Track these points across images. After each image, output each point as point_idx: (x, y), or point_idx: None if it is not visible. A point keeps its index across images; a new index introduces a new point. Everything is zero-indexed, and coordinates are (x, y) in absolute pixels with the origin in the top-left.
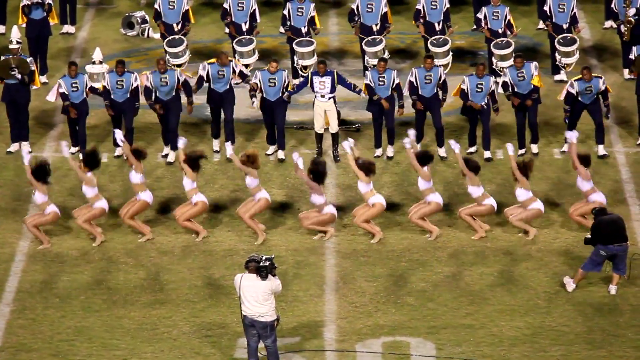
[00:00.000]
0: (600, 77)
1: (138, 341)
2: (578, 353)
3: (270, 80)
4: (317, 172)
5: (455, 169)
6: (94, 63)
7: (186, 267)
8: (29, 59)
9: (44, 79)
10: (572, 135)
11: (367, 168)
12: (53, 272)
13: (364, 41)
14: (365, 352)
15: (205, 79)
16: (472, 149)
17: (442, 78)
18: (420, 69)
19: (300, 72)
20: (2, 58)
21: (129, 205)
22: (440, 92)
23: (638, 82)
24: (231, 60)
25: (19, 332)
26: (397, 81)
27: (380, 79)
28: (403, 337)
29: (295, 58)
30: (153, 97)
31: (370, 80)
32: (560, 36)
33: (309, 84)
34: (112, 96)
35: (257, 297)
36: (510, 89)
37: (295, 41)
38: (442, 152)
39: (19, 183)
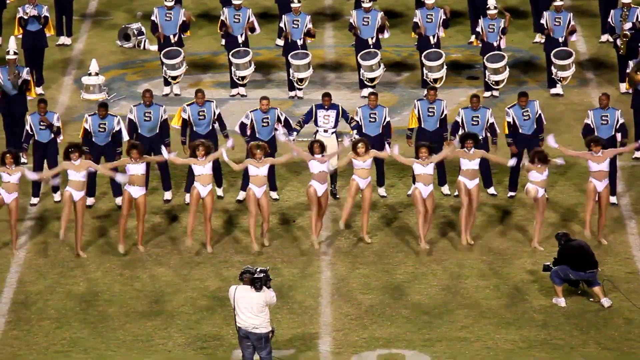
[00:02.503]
0: (618, 110)
1: (134, 353)
2: None
3: (264, 120)
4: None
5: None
6: (90, 74)
7: (182, 278)
8: (25, 70)
9: (39, 90)
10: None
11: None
12: (48, 283)
13: (359, 54)
14: None
15: (188, 122)
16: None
17: (444, 113)
18: (423, 101)
19: (296, 84)
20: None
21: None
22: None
23: (633, 96)
24: (211, 101)
25: (13, 344)
26: (387, 119)
27: (372, 115)
28: (398, 349)
29: (291, 70)
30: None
31: (360, 118)
32: (555, 50)
33: (312, 118)
34: (93, 139)
35: (251, 309)
36: (513, 130)
37: (291, 53)
38: (445, 189)
39: None
